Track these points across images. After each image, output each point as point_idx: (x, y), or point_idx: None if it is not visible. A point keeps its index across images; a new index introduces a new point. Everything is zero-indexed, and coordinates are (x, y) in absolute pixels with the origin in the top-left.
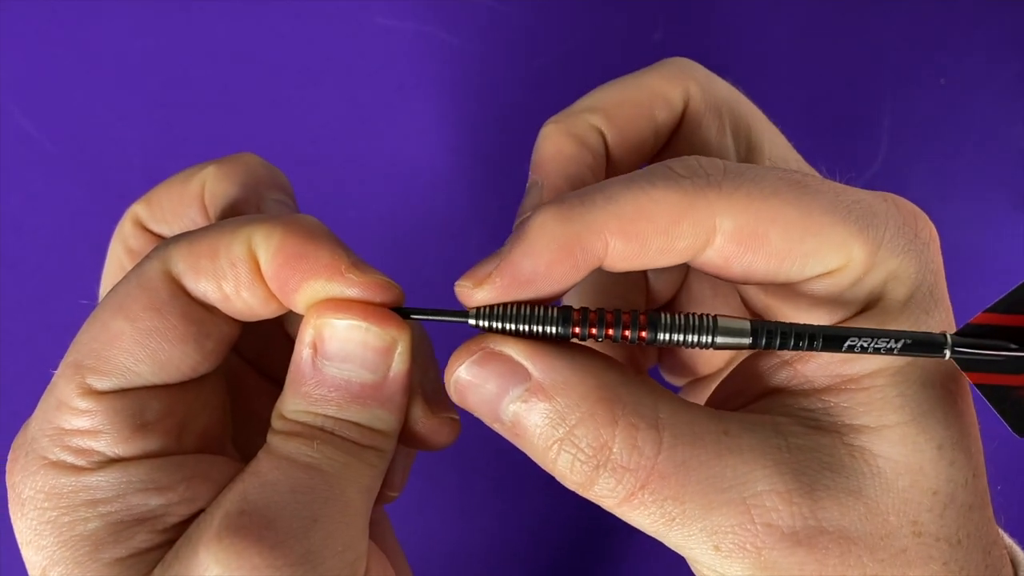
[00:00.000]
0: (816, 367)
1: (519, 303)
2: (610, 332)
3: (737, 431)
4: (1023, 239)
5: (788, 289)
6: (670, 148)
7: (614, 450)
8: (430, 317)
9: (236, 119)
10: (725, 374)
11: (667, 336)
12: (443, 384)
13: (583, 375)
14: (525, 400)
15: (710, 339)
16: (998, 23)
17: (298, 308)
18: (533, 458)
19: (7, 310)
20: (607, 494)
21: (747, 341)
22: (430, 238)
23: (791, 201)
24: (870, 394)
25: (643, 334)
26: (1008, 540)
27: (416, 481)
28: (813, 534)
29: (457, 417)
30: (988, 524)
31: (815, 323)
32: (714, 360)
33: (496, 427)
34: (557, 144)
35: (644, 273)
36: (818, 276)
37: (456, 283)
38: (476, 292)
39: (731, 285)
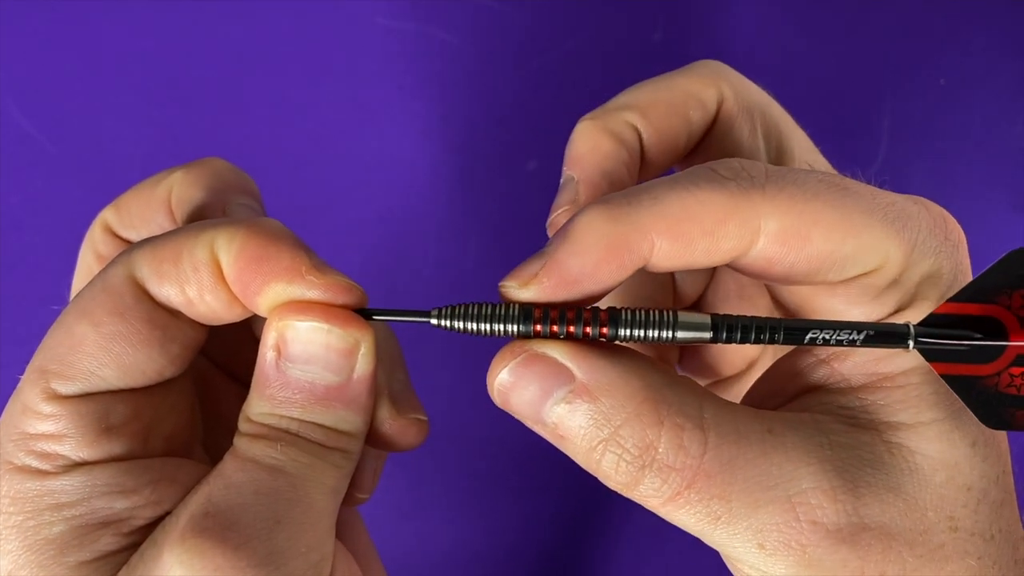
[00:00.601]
0: (852, 365)
1: (481, 303)
2: (571, 329)
3: (781, 429)
4: (1022, 240)
5: (824, 289)
6: (702, 149)
7: (660, 450)
8: (392, 318)
9: (236, 119)
10: (748, 374)
11: (627, 332)
12: (410, 385)
13: (628, 376)
14: (569, 401)
15: (671, 334)
16: (998, 23)
17: (261, 311)
18: (576, 459)
19: (7, 310)
20: (652, 494)
21: (708, 335)
22: (430, 238)
23: (832, 203)
24: (906, 391)
25: (604, 330)
26: None
27: (406, 484)
28: (856, 531)
29: (425, 418)
30: (1016, 519)
31: (851, 322)
32: (736, 361)
33: (538, 429)
34: (593, 140)
35: (672, 274)
36: (855, 277)
37: (500, 283)
38: (522, 292)
39: (757, 285)
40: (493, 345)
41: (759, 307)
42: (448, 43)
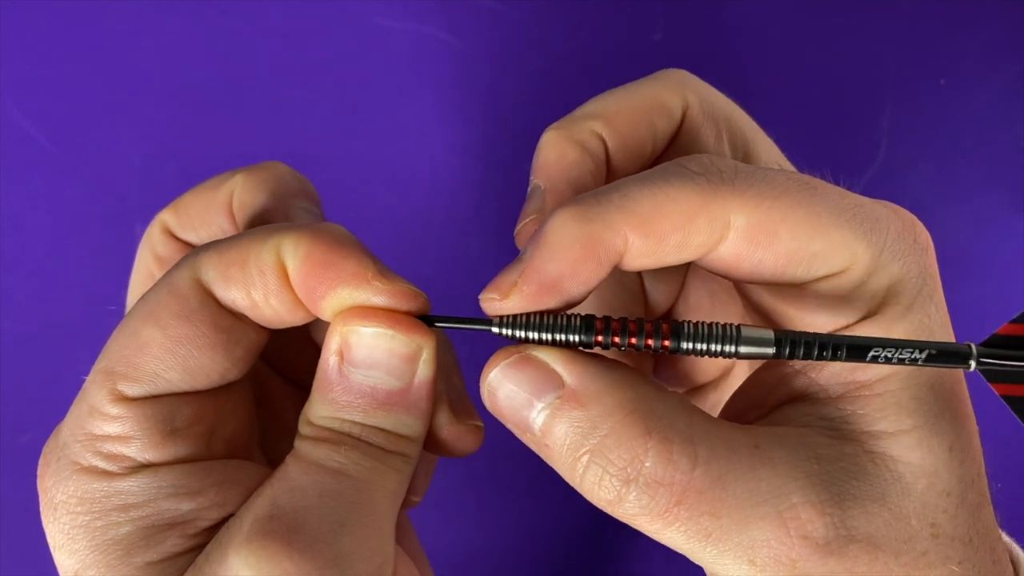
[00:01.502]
0: (829, 375)
1: (543, 312)
2: (633, 340)
3: (767, 444)
4: (1022, 241)
5: (793, 291)
6: (668, 156)
7: (647, 464)
8: (454, 325)
9: (236, 120)
10: (723, 383)
11: (690, 345)
12: (466, 392)
13: (618, 386)
14: (557, 407)
15: (734, 348)
16: (998, 23)
17: (325, 315)
18: (560, 471)
19: (7, 310)
20: (639, 511)
21: (771, 351)
22: (430, 239)
23: (801, 201)
24: (884, 399)
25: (666, 343)
26: (1006, 537)
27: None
28: (844, 543)
29: (481, 424)
30: (992, 520)
31: (819, 326)
32: (711, 369)
33: (526, 438)
34: (559, 149)
35: (641, 283)
36: (823, 277)
37: (481, 295)
38: (504, 303)
39: (730, 294)
40: (481, 339)
41: (731, 315)
42: (448, 43)
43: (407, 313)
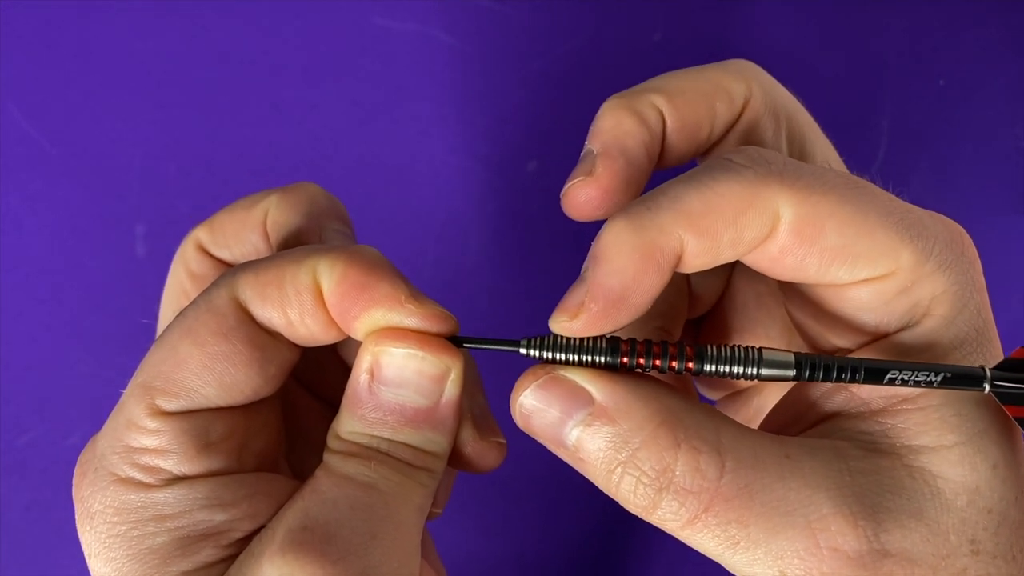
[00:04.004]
0: (871, 389)
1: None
2: (657, 363)
3: (798, 455)
4: (1022, 241)
5: (834, 295)
6: (724, 143)
7: (677, 473)
8: (482, 346)
9: (236, 120)
10: (761, 390)
11: (713, 367)
12: (489, 409)
13: (645, 400)
14: (588, 424)
15: (755, 371)
16: (998, 23)
17: (357, 335)
18: (596, 482)
19: (7, 310)
20: (670, 517)
21: (791, 373)
22: (430, 239)
23: (849, 199)
24: (926, 414)
25: (690, 365)
26: None
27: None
28: (877, 558)
29: (504, 441)
30: None
31: (860, 332)
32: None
33: (560, 452)
34: (617, 117)
35: (687, 280)
36: (865, 280)
37: (551, 320)
38: (574, 323)
39: (775, 297)
40: (501, 357)
41: (775, 316)
42: (448, 44)
43: (437, 335)
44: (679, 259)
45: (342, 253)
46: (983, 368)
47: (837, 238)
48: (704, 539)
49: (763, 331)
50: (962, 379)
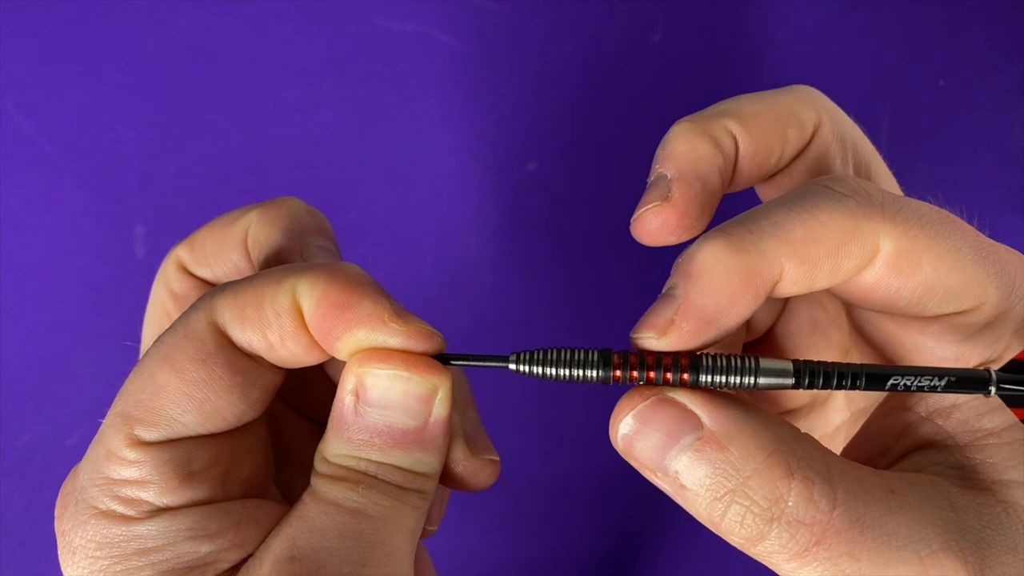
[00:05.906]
0: (956, 423)
1: (558, 348)
2: (651, 374)
3: (901, 489)
4: (1022, 241)
5: (918, 325)
6: (792, 170)
7: (789, 503)
8: (470, 363)
9: (236, 121)
10: (815, 413)
11: (709, 378)
12: (482, 425)
13: (757, 427)
14: (697, 449)
15: (753, 380)
16: (998, 23)
17: (341, 356)
18: (695, 512)
19: (7, 310)
20: (778, 549)
21: (790, 381)
22: (429, 239)
23: (943, 233)
24: (1013, 448)
25: (684, 376)
26: None
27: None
28: None
29: (497, 458)
30: None
31: (940, 363)
32: (800, 397)
33: (657, 479)
34: (691, 142)
35: None
36: (951, 314)
37: (633, 334)
38: (661, 340)
39: (832, 317)
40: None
41: (832, 341)
42: (448, 45)
43: (423, 353)
44: (775, 286)
45: (322, 271)
46: (988, 370)
47: (932, 272)
48: (811, 572)
49: (818, 357)
50: (968, 382)
